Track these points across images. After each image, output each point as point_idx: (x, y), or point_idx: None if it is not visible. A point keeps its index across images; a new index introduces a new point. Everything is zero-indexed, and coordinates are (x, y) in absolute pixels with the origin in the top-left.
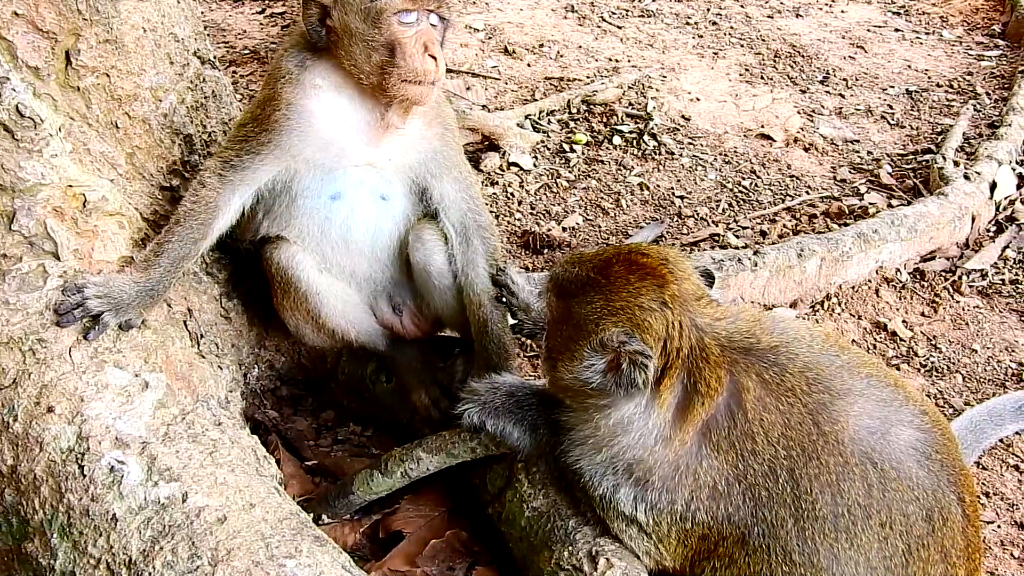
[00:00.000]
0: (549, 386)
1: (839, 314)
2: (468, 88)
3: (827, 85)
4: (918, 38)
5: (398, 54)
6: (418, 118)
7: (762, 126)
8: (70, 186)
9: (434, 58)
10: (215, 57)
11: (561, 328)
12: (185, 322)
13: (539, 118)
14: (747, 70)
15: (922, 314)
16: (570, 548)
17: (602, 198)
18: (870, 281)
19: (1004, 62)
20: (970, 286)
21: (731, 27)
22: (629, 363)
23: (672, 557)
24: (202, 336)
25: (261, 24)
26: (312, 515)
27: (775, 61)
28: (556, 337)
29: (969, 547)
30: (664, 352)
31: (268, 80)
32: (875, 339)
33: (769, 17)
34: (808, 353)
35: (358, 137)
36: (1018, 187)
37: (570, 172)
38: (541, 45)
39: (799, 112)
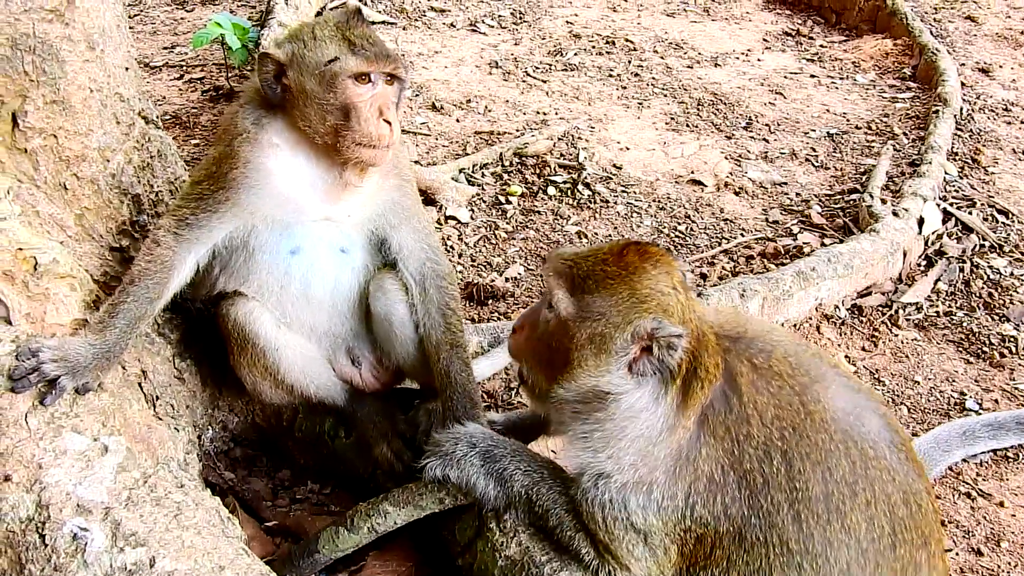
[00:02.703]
0: (552, 396)
1: None
2: None
3: (751, 131)
4: (833, 83)
5: (353, 117)
6: (375, 172)
7: (692, 172)
8: (20, 249)
9: (388, 122)
10: (157, 117)
11: (581, 325)
12: (140, 384)
13: (473, 172)
14: (672, 119)
15: (863, 349)
16: None
17: (541, 248)
18: (811, 318)
19: (918, 103)
20: (907, 319)
21: (653, 78)
22: (664, 348)
23: (673, 573)
24: (158, 398)
25: (180, 90)
26: None
27: (699, 109)
28: (580, 334)
29: (941, 540)
30: None
31: (222, 136)
32: None
33: (689, 67)
34: (785, 341)
35: (316, 195)
36: (943, 222)
37: (507, 223)
38: (468, 101)
39: (726, 157)
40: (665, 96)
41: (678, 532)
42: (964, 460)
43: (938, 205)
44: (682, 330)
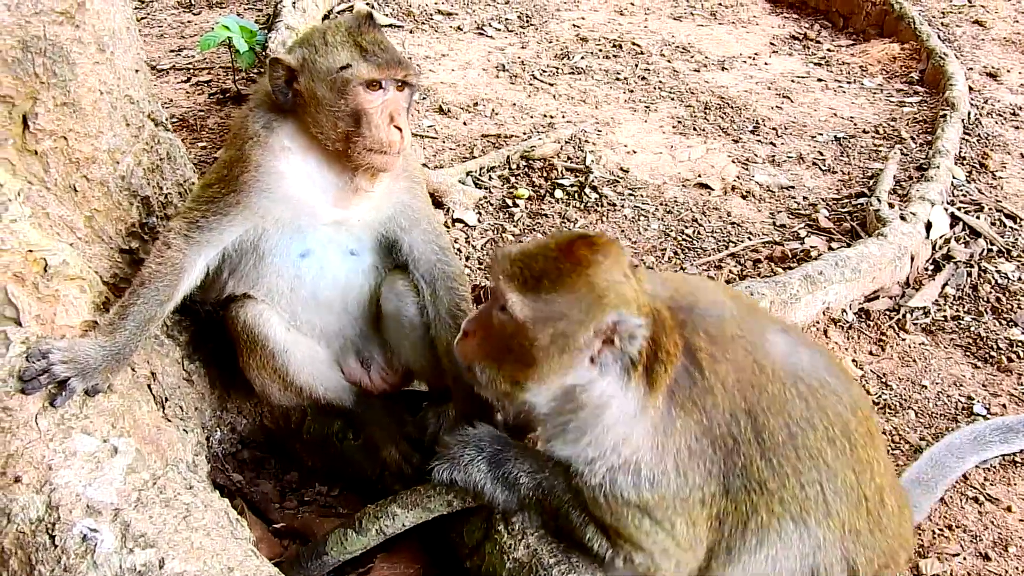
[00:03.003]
0: (518, 397)
1: None
2: None
3: (758, 134)
4: (841, 87)
5: (364, 124)
6: (386, 176)
7: (699, 175)
8: (30, 251)
9: (399, 128)
10: (166, 119)
11: (542, 326)
12: (149, 386)
13: (480, 175)
14: (679, 122)
15: (870, 353)
16: None
17: None
18: (818, 322)
19: (925, 107)
20: (914, 324)
21: (660, 81)
22: (625, 339)
23: (689, 543)
24: (167, 399)
25: (187, 93)
26: None
27: (706, 113)
28: (541, 335)
29: (875, 421)
30: None
31: (233, 140)
32: None
33: (696, 71)
34: (729, 303)
35: (327, 198)
36: (951, 226)
37: (515, 226)
38: (475, 104)
39: (733, 161)
40: (672, 100)
41: (680, 505)
42: (976, 466)
43: (946, 209)
44: (643, 320)
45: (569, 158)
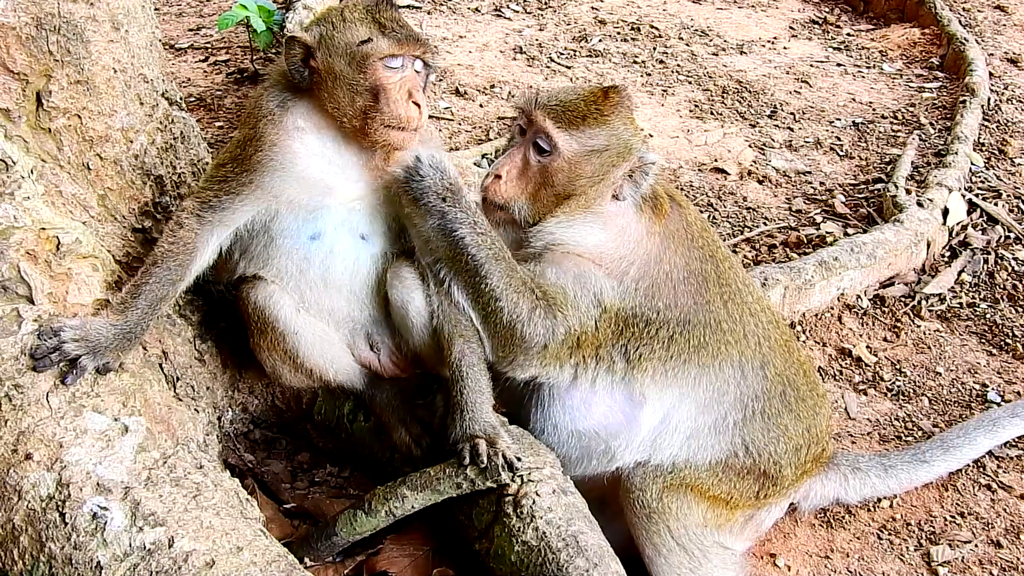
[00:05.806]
0: (543, 227)
1: (804, 341)
2: None
3: (775, 119)
4: (860, 72)
5: (382, 99)
6: (400, 157)
7: (715, 160)
8: (43, 229)
9: (417, 105)
10: (181, 98)
11: (584, 159)
12: (161, 365)
13: (495, 157)
14: (696, 106)
15: (885, 339)
16: None
17: None
18: (832, 308)
19: (945, 93)
20: (929, 310)
21: (678, 65)
22: (645, 173)
23: (568, 351)
24: (178, 379)
25: (205, 72)
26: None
27: (723, 97)
28: (584, 168)
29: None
30: None
31: (247, 119)
32: (840, 365)
33: (714, 55)
34: None
35: (340, 179)
36: (968, 213)
37: None
38: (492, 86)
39: (750, 145)
40: (689, 83)
41: (620, 317)
42: (988, 452)
43: (963, 196)
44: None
45: None
